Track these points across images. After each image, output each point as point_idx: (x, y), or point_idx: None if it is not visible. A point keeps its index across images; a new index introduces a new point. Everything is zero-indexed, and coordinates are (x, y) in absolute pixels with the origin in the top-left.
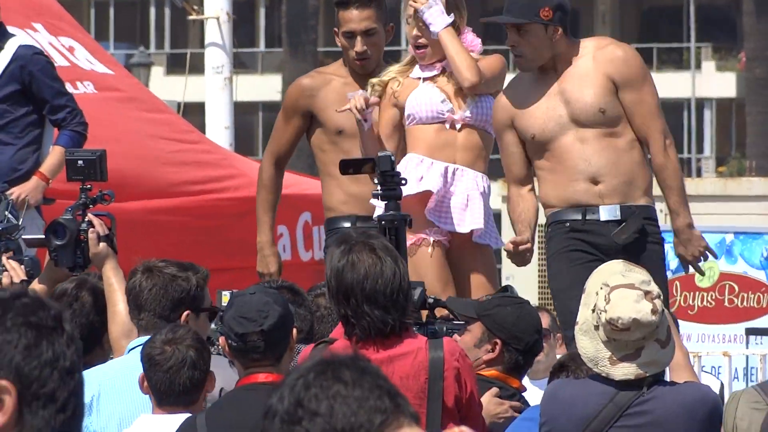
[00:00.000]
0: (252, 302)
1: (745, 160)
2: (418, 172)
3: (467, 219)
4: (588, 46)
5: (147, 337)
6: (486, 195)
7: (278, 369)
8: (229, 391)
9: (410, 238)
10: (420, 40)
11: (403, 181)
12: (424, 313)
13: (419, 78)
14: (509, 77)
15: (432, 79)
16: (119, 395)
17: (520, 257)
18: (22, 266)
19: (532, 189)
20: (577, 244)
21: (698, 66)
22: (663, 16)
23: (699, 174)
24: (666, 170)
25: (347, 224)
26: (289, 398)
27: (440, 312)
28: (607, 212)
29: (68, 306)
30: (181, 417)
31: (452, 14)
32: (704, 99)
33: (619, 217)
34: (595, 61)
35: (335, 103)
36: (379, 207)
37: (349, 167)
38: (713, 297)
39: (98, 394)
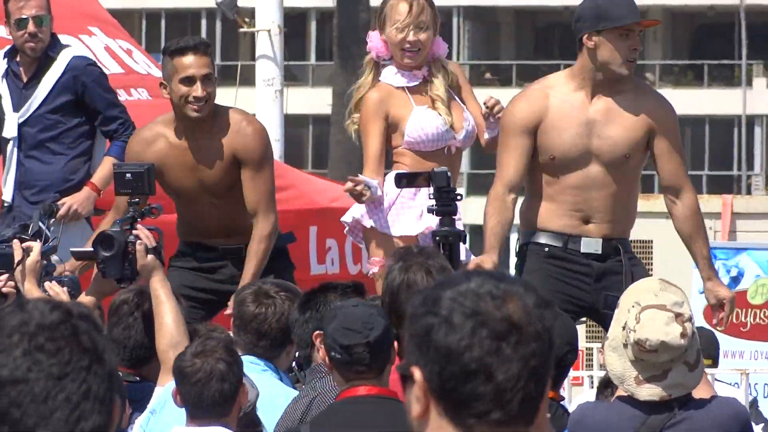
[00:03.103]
0: (357, 314)
1: None
2: (415, 208)
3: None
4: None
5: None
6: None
7: (380, 381)
8: (332, 404)
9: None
10: (418, 45)
11: (459, 197)
12: None
13: (402, 88)
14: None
15: (417, 91)
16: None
17: None
18: (64, 288)
19: (516, 199)
20: (554, 271)
21: (749, 83)
22: (714, 33)
23: (749, 191)
24: (699, 218)
25: None
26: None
27: None
28: (587, 245)
29: (130, 314)
30: (213, 430)
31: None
32: (755, 116)
33: (599, 252)
34: (637, 103)
35: None
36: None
37: (402, 179)
38: (766, 314)
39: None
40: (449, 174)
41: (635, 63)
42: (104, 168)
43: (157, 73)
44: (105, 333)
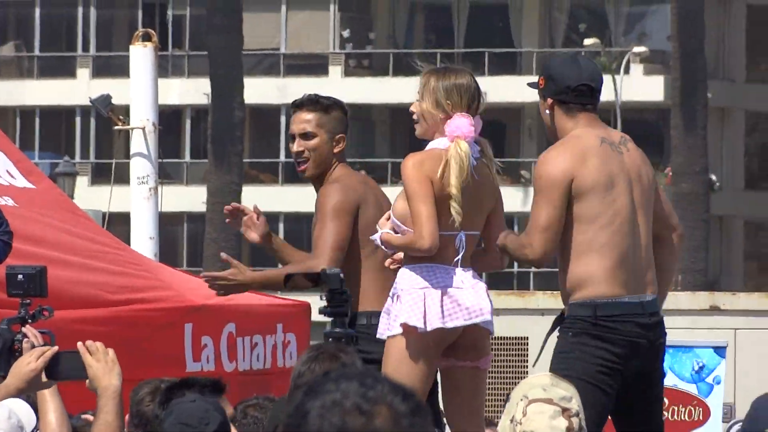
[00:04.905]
0: (193, 409)
1: None
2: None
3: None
4: None
5: None
6: None
7: None
8: None
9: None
10: (414, 116)
11: (349, 298)
12: None
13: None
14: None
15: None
16: None
17: None
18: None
19: None
20: None
21: None
22: None
23: None
24: None
25: None
26: None
27: None
28: None
29: None
30: None
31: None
32: None
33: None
34: None
35: None
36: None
37: (288, 281)
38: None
39: None
40: (342, 275)
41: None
42: None
43: (21, 183)
44: None
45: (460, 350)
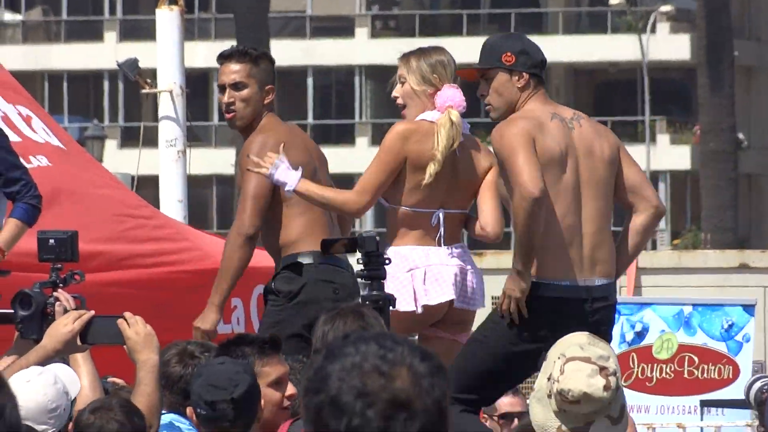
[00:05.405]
0: (222, 371)
1: (700, 233)
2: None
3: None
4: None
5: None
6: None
7: None
8: None
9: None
10: (398, 101)
11: (387, 261)
12: None
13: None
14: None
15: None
16: None
17: None
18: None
19: None
20: None
21: (653, 139)
22: (617, 90)
23: (654, 247)
24: None
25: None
26: None
27: None
28: None
29: None
30: None
31: (299, 168)
32: (659, 172)
33: None
34: None
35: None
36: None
37: (327, 249)
38: (672, 369)
39: None
40: (378, 238)
41: (489, 107)
42: (7, 230)
43: (55, 141)
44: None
45: (446, 324)
